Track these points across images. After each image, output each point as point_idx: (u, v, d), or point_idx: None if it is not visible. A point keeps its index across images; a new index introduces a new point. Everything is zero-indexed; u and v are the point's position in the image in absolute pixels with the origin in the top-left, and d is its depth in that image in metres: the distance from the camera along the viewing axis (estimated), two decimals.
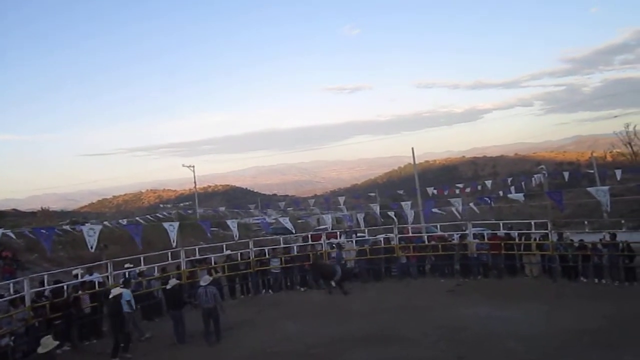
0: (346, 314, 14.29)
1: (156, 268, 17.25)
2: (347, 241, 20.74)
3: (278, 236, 25.85)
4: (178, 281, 13.94)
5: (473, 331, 11.56)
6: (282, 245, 20.50)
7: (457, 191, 36.37)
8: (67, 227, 27.16)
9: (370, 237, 21.62)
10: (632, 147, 32.34)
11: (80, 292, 14.12)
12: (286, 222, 23.19)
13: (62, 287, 14.03)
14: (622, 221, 17.84)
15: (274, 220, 42.70)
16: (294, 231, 24.57)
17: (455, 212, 20.06)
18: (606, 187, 15.28)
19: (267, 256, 19.21)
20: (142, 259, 17.11)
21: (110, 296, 11.95)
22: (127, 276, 15.47)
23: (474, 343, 10.79)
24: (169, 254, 17.75)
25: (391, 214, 23.69)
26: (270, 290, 18.66)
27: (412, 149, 36.81)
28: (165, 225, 18.24)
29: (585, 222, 18.64)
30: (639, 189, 15.73)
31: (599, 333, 10.68)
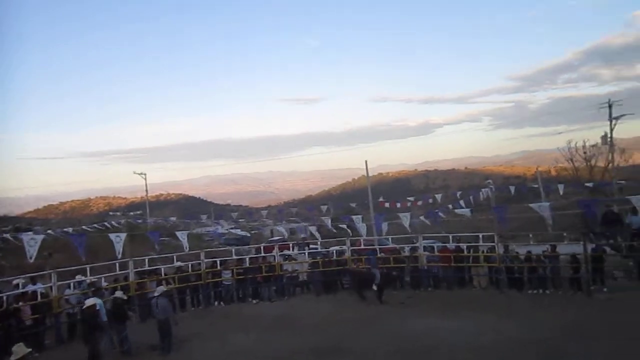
0: (299, 326, 14.23)
1: (103, 279, 16.68)
2: (300, 253, 20.72)
3: (230, 247, 25.56)
4: (122, 293, 13.49)
5: (425, 342, 11.71)
6: (234, 257, 20.25)
7: (409, 204, 37.03)
8: (8, 236, 25.99)
9: (323, 249, 21.67)
10: (573, 163, 33.87)
11: (21, 303, 13.51)
12: (237, 233, 22.98)
13: (1, 297, 13.40)
14: (564, 234, 18.55)
15: (226, 231, 42.23)
16: (250, 241, 24.39)
17: (406, 225, 20.33)
18: (547, 203, 15.90)
19: (219, 267, 18.93)
20: (88, 269, 16.54)
21: (84, 307, 11.72)
22: (97, 285, 14.99)
23: (426, 354, 10.95)
24: (117, 264, 17.23)
25: (344, 226, 23.88)
26: (221, 303, 18.37)
27: (366, 161, 37.23)
28: (112, 236, 17.70)
29: (530, 235, 19.31)
30: (580, 204, 16.38)
31: (546, 343, 11.01)
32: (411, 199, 33.35)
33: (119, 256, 16.73)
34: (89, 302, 11.84)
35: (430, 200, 39.54)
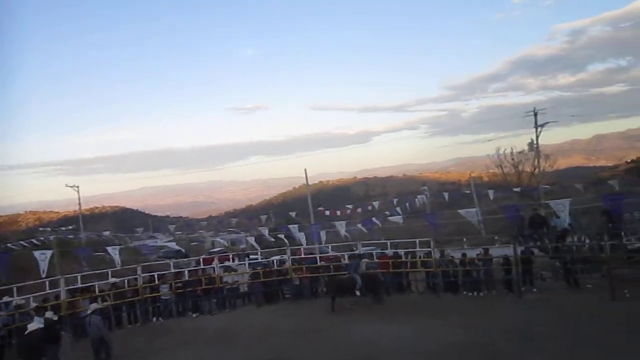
0: (240, 339, 14.09)
1: (32, 299, 15.85)
2: (240, 264, 20.54)
3: (169, 260, 24.96)
4: (52, 313, 12.84)
5: (366, 350, 11.85)
6: (172, 270, 19.79)
7: (349, 212, 37.51)
8: None
9: (264, 260, 21.58)
10: (502, 169, 35.46)
11: None
12: (173, 246, 22.45)
13: None
14: (495, 237, 19.36)
15: (164, 244, 41.14)
16: (188, 254, 23.85)
17: (345, 233, 20.60)
18: (474, 209, 16.58)
19: (156, 282, 18.44)
20: (15, 289, 15.68)
21: (27, 332, 10.88)
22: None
23: None
24: (47, 283, 16.43)
25: (283, 236, 23.89)
26: (160, 318, 17.90)
27: (305, 170, 37.39)
28: (36, 253, 16.81)
29: (464, 239, 20.04)
30: (502, 209, 17.16)
31: (485, 345, 11.34)
32: (350, 206, 33.77)
33: (44, 275, 15.90)
34: (32, 326, 11.01)
35: (370, 208, 40.29)
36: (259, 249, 24.04)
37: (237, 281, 19.32)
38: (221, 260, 20.82)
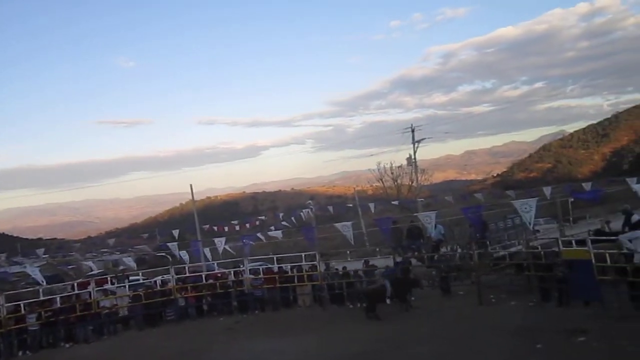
0: None
1: None
2: (119, 286, 19.40)
3: (38, 287, 22.89)
4: None
5: None
6: (41, 298, 18.16)
7: (237, 227, 37.11)
8: None
9: (146, 280, 20.60)
10: (383, 182, 37.20)
11: None
12: (35, 273, 20.44)
13: None
14: (377, 249, 20.17)
15: (30, 269, 37.64)
16: (44, 282, 21.80)
17: (228, 248, 20.25)
18: (349, 223, 17.19)
19: (23, 311, 16.83)
20: None
21: None
22: None
23: None
24: None
25: (176, 253, 23.00)
26: (27, 352, 16.35)
27: (191, 185, 36.33)
28: None
29: (348, 252, 20.63)
30: (385, 221, 17.98)
31: (364, 355, 11.71)
32: (235, 222, 33.46)
33: None
34: None
35: (257, 223, 40.23)
36: (137, 269, 22.88)
37: (116, 305, 18.24)
38: (99, 284, 19.52)
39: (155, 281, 19.74)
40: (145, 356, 14.00)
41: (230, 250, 23.12)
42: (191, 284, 19.17)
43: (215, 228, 36.52)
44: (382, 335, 13.12)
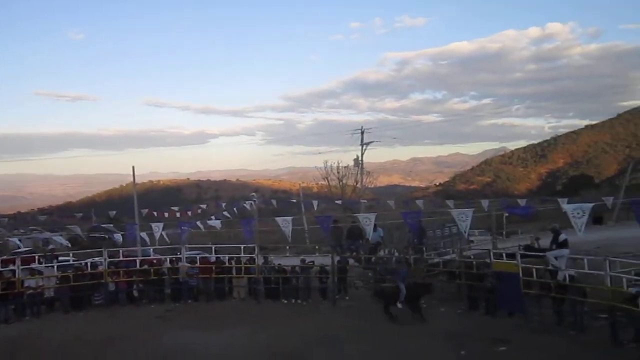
0: (39, 350, 12.78)
1: None
2: (48, 266, 18.58)
3: None
4: None
5: (180, 357, 11.59)
6: None
7: (178, 214, 36.37)
8: None
9: (76, 262, 19.86)
10: (328, 181, 37.48)
11: None
12: None
13: None
14: (317, 246, 20.29)
15: None
16: None
17: (157, 236, 19.64)
18: (290, 218, 17.18)
19: None
20: None
21: None
22: None
23: None
24: None
25: (111, 235, 22.29)
26: None
27: (133, 167, 35.16)
28: None
29: (287, 247, 20.66)
30: (325, 219, 18.02)
31: (291, 350, 11.82)
32: (176, 208, 32.77)
33: None
34: None
35: (199, 211, 39.55)
36: (68, 249, 22.01)
37: (41, 285, 17.48)
38: (25, 262, 18.63)
39: (86, 263, 19.03)
40: (69, 340, 13.47)
41: (167, 237, 22.61)
42: (124, 269, 18.61)
43: (155, 213, 35.60)
44: (312, 333, 13.20)
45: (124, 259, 19.73)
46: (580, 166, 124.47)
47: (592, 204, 12.53)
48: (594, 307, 12.45)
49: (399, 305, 14.44)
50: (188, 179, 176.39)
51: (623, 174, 63.68)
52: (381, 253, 19.36)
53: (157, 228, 19.32)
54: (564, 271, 13.26)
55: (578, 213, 11.28)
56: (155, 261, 19.73)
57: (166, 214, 35.29)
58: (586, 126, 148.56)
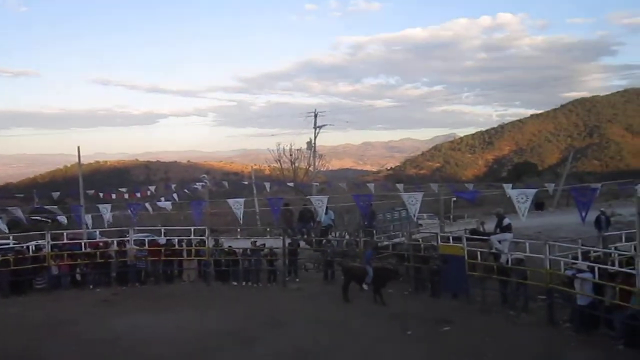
0: None
1: None
2: None
3: None
4: None
5: (124, 341, 11.35)
6: None
7: (127, 196, 35.41)
8: None
9: (17, 245, 19.10)
10: (281, 164, 37.38)
11: None
12: None
13: None
14: (268, 229, 20.26)
15: None
16: None
17: (106, 218, 19.06)
18: (242, 199, 17.07)
19: None
20: None
21: None
22: None
23: (123, 353, 10.63)
24: None
25: (55, 217, 21.44)
26: None
27: (78, 147, 33.85)
28: None
29: (238, 230, 20.55)
30: (276, 201, 17.94)
31: (240, 332, 11.83)
32: (124, 190, 31.93)
33: None
34: None
35: (148, 193, 38.65)
36: (9, 232, 21.10)
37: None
38: None
39: (28, 246, 18.32)
40: (8, 325, 12.99)
41: (115, 219, 22.01)
42: (68, 252, 18.03)
43: (102, 195, 34.56)
44: (260, 315, 13.27)
45: (69, 241, 19.11)
46: (525, 154, 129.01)
47: (535, 190, 13.07)
48: (534, 289, 13.02)
49: (365, 286, 14.65)
50: (136, 160, 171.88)
51: (564, 162, 66.58)
52: (332, 236, 19.57)
53: (105, 210, 18.73)
54: (507, 254, 13.81)
55: (522, 198, 11.71)
56: (101, 244, 19.23)
57: (113, 196, 34.35)
58: (531, 115, 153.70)
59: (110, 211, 21.54)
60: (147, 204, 20.48)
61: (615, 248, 14.13)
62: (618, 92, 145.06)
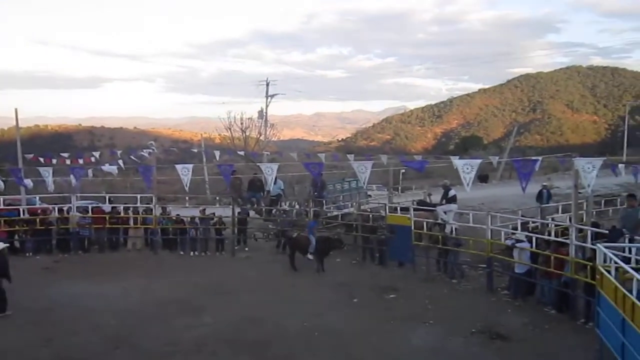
0: None
1: None
2: None
3: None
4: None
5: (65, 310, 11.11)
6: None
7: (69, 161, 34.04)
8: None
9: None
10: (231, 132, 36.87)
11: None
12: None
13: None
14: (217, 197, 19.98)
15: None
16: None
17: (49, 183, 18.16)
18: (190, 165, 16.72)
19: None
20: None
21: None
22: None
23: (64, 322, 10.38)
24: None
25: None
26: None
27: (16, 110, 32.35)
28: None
29: (187, 198, 20.23)
30: (226, 168, 17.58)
31: (187, 300, 11.79)
32: (66, 155, 30.67)
33: None
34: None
35: (93, 159, 37.31)
36: None
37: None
38: None
39: None
40: None
41: (55, 185, 21.06)
42: (5, 218, 17.28)
43: (42, 159, 33.09)
44: (209, 284, 13.25)
45: (5, 207, 18.32)
46: (472, 128, 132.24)
47: (480, 160, 13.45)
48: (475, 257, 13.54)
49: (310, 256, 14.81)
50: (80, 124, 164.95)
51: (509, 136, 68.73)
52: (281, 205, 19.58)
53: (47, 173, 17.88)
54: (451, 224, 14.27)
55: (467, 168, 12.02)
56: (40, 210, 18.51)
57: (54, 161, 32.90)
58: (479, 90, 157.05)
59: (51, 175, 20.64)
60: (90, 170, 19.67)
61: (552, 219, 14.86)
62: (561, 69, 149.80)
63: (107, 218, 17.62)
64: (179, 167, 16.68)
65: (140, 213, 18.04)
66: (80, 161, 36.18)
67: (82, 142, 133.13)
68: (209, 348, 8.98)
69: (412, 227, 14.20)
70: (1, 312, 10.96)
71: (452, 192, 15.87)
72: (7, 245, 11.75)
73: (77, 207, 17.88)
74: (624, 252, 8.83)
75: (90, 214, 17.90)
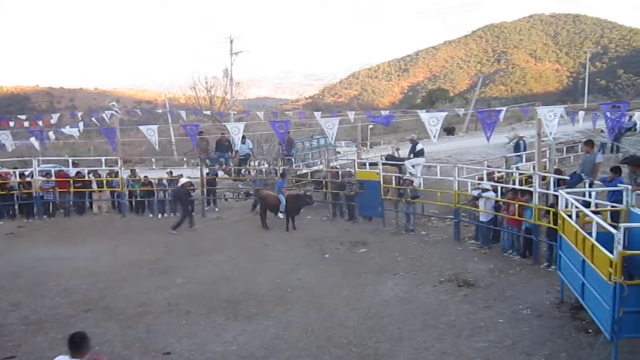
0: None
1: None
2: None
3: None
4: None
5: (31, 275, 10.93)
6: None
7: (27, 124, 32.91)
8: None
9: None
10: (196, 92, 36.05)
11: None
12: None
13: None
14: (184, 159, 19.71)
15: None
16: None
17: (9, 146, 17.54)
18: (155, 126, 16.38)
19: None
20: None
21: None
22: None
23: (32, 287, 10.22)
24: None
25: None
26: None
27: None
28: None
29: (154, 160, 19.87)
30: (192, 128, 17.21)
31: (158, 262, 11.75)
32: (23, 117, 29.62)
33: None
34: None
35: (52, 121, 36.14)
36: None
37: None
38: None
39: None
40: None
41: (14, 148, 20.39)
42: None
43: None
44: (179, 245, 13.21)
45: None
46: (438, 80, 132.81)
47: (445, 113, 13.51)
48: (443, 209, 13.80)
49: (280, 215, 14.92)
50: (37, 86, 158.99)
51: (474, 88, 69.28)
52: (250, 164, 19.45)
53: (6, 136, 17.26)
54: (419, 177, 14.42)
55: (433, 121, 12.09)
56: (1, 175, 17.94)
57: (11, 124, 31.76)
58: (445, 42, 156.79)
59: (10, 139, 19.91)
60: (51, 133, 19.03)
61: (517, 168, 15.18)
62: (524, 18, 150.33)
63: (72, 182, 17.22)
64: (143, 128, 16.29)
65: (105, 176, 17.68)
66: (40, 123, 35.08)
67: (40, 104, 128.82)
68: (182, 308, 8.98)
69: (381, 182, 14.31)
70: None
71: (419, 146, 16.00)
72: None
73: (39, 171, 17.38)
74: (584, 196, 9.12)
75: (53, 177, 17.43)
